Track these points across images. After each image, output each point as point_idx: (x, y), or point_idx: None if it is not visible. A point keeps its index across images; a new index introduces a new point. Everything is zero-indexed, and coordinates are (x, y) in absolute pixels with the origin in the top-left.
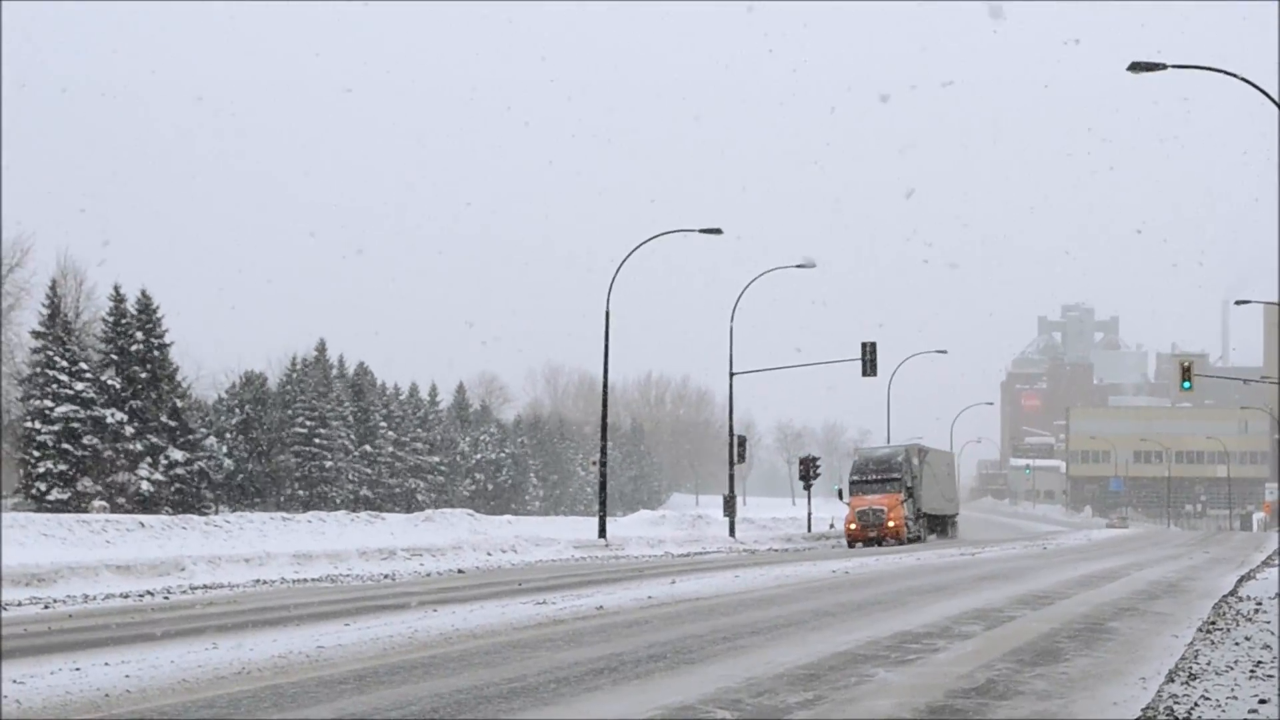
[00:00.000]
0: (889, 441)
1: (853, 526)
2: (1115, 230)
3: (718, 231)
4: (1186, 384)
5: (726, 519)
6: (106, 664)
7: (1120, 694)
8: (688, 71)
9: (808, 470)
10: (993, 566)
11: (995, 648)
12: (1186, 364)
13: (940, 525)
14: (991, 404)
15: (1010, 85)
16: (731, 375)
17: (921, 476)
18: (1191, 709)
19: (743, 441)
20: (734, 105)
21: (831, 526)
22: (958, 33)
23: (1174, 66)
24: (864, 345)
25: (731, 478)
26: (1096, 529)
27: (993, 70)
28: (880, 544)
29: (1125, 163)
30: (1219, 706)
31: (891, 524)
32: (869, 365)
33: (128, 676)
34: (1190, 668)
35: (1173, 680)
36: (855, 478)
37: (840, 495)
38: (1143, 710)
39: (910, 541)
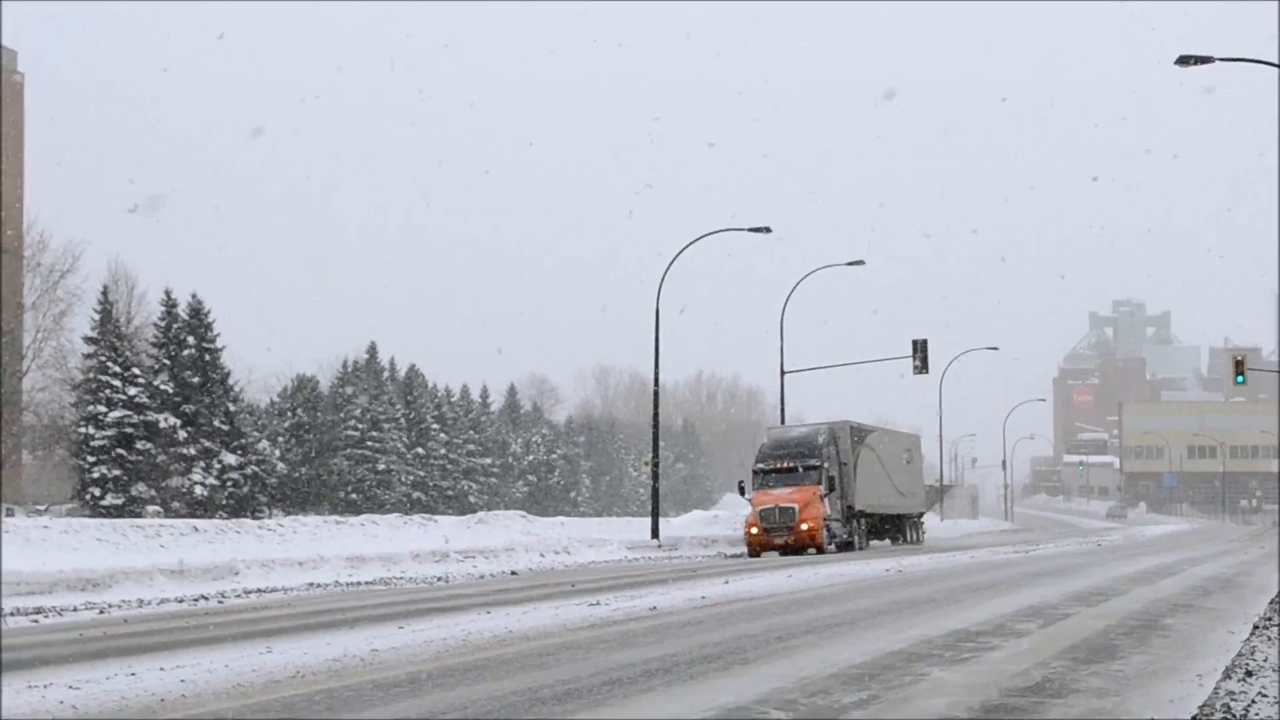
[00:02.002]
0: (941, 440)
1: (753, 530)
2: (1166, 224)
3: (766, 230)
4: (1240, 378)
5: None
6: (161, 668)
7: (1176, 691)
8: (733, 70)
9: None
10: (1047, 563)
11: (1050, 645)
12: (1240, 358)
13: (893, 528)
14: (1044, 400)
15: (1059, 77)
16: (783, 374)
17: (855, 464)
18: (1249, 706)
19: None
20: (782, 102)
21: None
22: (1003, 28)
23: (1221, 60)
24: (915, 343)
25: None
26: (1134, 525)
27: (1041, 63)
28: (797, 552)
29: (1175, 154)
30: (1276, 703)
31: (805, 526)
32: (921, 362)
33: (183, 681)
34: (1247, 664)
35: (1229, 677)
36: (760, 466)
37: (741, 490)
38: (1199, 707)
39: (841, 549)
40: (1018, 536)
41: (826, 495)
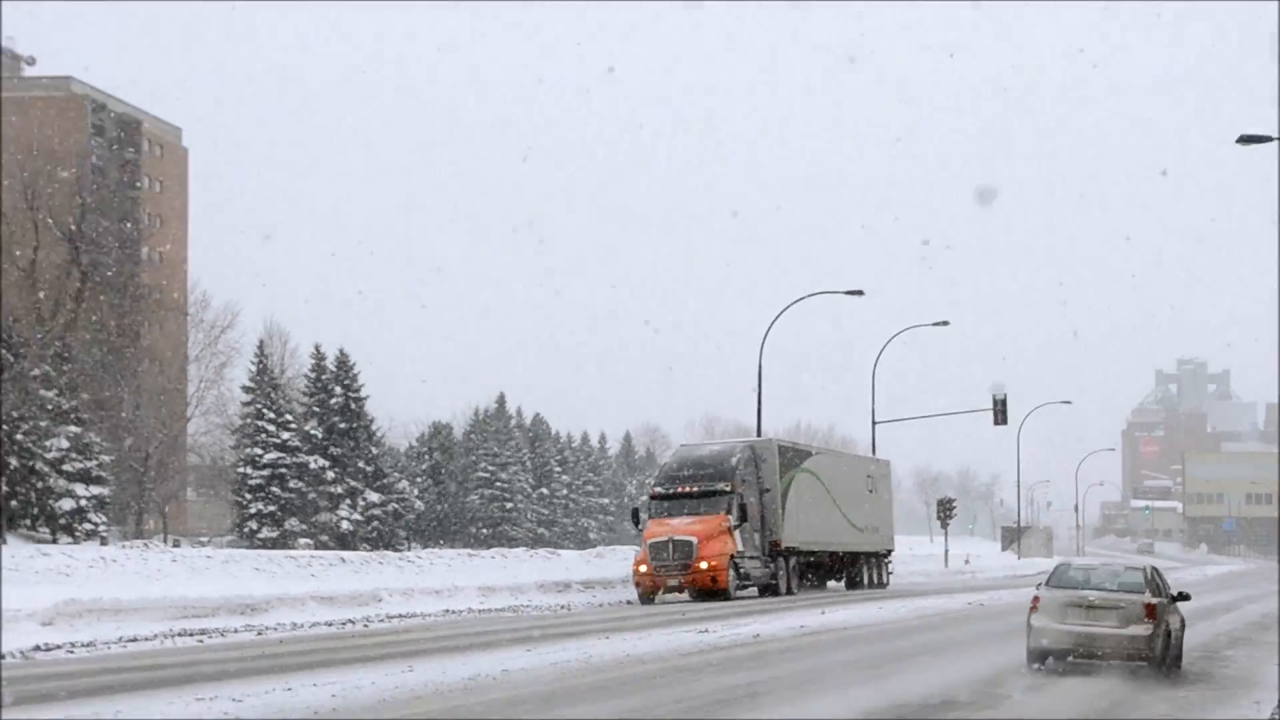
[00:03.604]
0: (1019, 485)
1: (641, 569)
2: (1228, 287)
3: (859, 293)
4: None
5: None
6: (314, 685)
7: (1235, 715)
8: (825, 131)
9: (944, 511)
10: None
11: (1120, 672)
12: None
13: (846, 569)
14: (1113, 450)
15: (1118, 140)
16: (874, 424)
17: (787, 490)
18: None
19: None
20: (858, 168)
21: (966, 562)
22: (1070, 100)
23: None
24: (995, 397)
25: None
26: (1195, 564)
27: (1096, 126)
28: (708, 596)
29: (1233, 216)
30: None
31: (705, 565)
32: (1000, 414)
33: (334, 696)
34: None
35: None
36: (659, 490)
37: (635, 520)
38: None
39: (764, 592)
40: None
41: (737, 527)
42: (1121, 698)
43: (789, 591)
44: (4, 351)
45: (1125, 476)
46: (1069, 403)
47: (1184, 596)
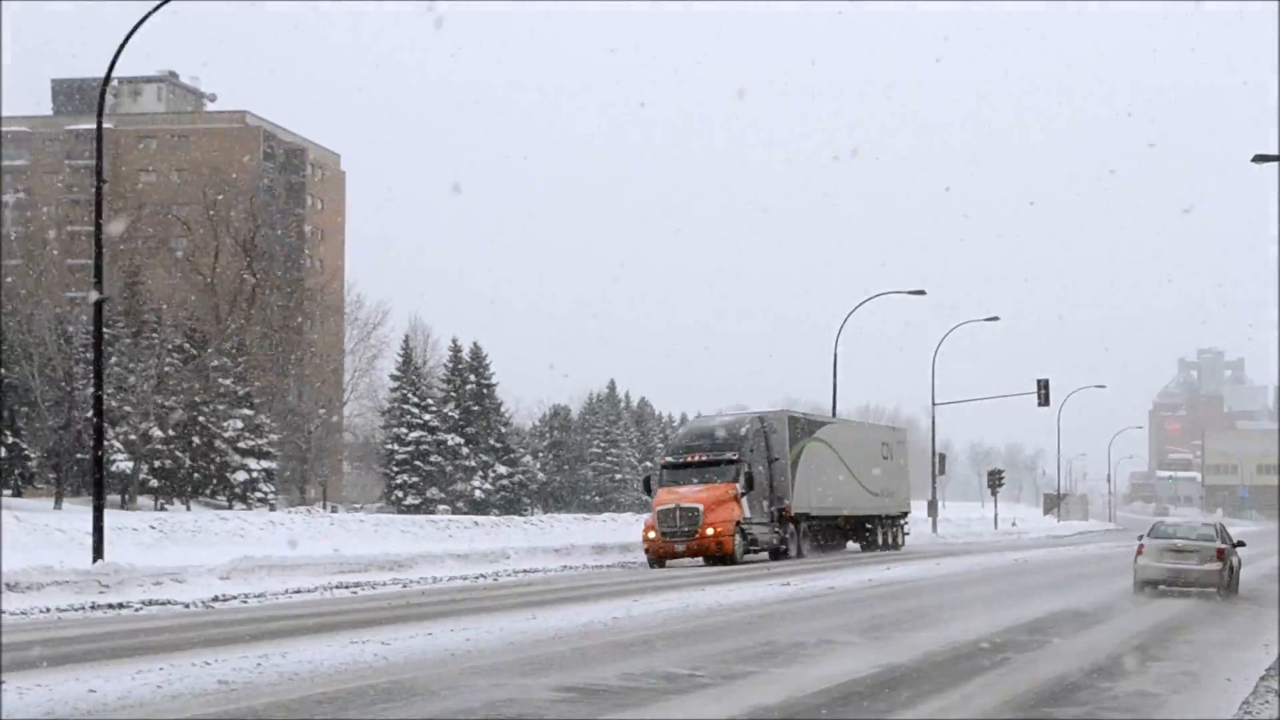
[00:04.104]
0: (1059, 457)
1: (650, 535)
2: (1243, 279)
3: (922, 293)
4: None
5: (929, 519)
6: (451, 630)
7: (1247, 657)
8: (893, 140)
9: (994, 480)
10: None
11: (1146, 620)
12: None
13: (861, 532)
14: (1141, 428)
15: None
16: (934, 406)
17: (797, 459)
18: None
19: (942, 458)
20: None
21: (1013, 525)
22: (1104, 104)
23: None
24: (1039, 381)
25: (934, 487)
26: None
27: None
28: (719, 561)
29: (1254, 236)
30: None
31: (711, 531)
32: (1043, 397)
33: (468, 639)
34: None
35: None
36: (669, 459)
37: (647, 488)
38: (1266, 670)
39: (774, 556)
40: (1117, 535)
41: (745, 495)
42: (1147, 641)
43: (799, 555)
44: (187, 345)
45: (1152, 450)
46: (1103, 387)
47: (1241, 544)
